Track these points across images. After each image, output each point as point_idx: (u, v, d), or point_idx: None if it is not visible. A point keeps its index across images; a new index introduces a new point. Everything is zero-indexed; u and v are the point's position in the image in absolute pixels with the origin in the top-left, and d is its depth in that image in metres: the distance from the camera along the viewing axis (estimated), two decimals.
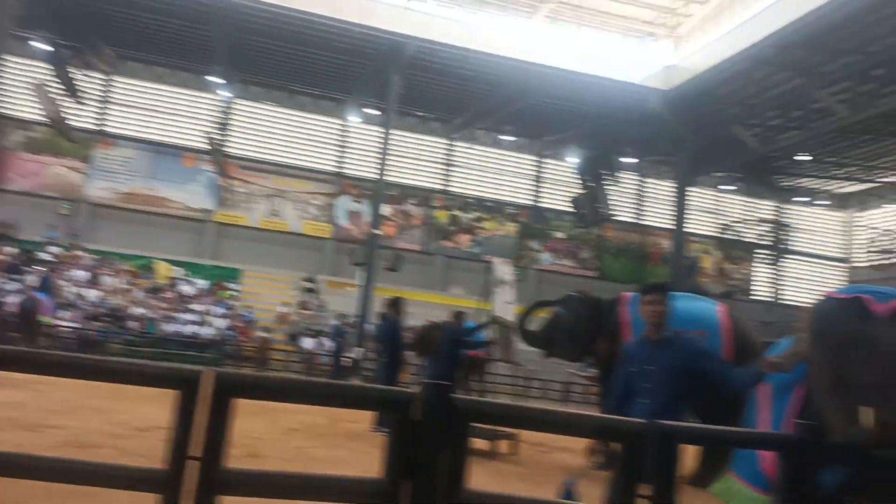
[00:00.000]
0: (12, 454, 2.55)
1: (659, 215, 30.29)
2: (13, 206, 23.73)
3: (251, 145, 27.62)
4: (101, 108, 26.49)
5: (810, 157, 25.88)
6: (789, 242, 30.58)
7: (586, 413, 3.54)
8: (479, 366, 12.50)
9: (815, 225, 32.11)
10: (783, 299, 30.27)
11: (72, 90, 22.09)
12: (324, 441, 8.01)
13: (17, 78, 24.01)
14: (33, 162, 25.69)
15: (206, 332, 21.32)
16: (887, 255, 26.22)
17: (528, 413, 3.06)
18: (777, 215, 31.23)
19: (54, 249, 23.08)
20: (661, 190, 30.36)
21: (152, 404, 6.37)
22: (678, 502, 2.51)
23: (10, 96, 23.83)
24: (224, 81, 26.16)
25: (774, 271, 31.03)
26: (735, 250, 29.98)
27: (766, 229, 30.01)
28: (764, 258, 30.28)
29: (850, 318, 2.64)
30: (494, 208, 29.39)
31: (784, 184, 30.06)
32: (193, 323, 21.50)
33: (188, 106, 27.28)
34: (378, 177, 21.69)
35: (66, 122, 22.76)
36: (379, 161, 21.94)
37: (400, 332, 10.04)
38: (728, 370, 3.78)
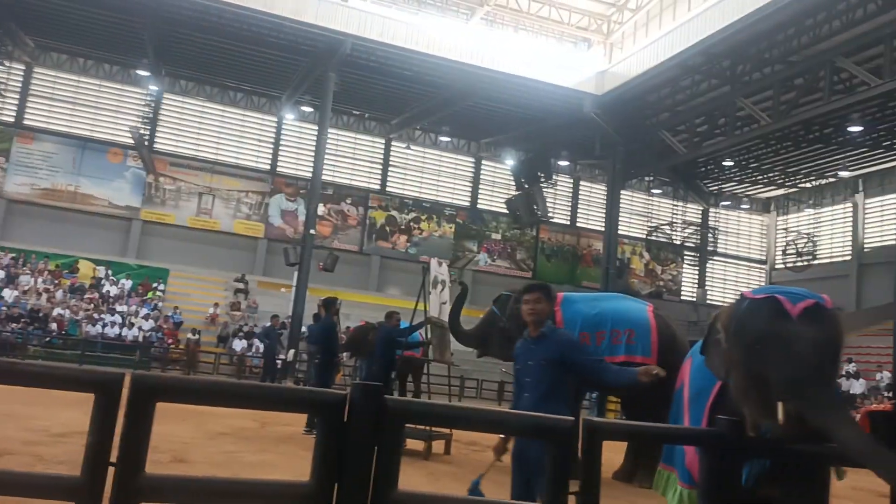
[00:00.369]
0: None
1: (592, 217, 30.94)
2: None
3: (181, 141, 26.90)
4: (20, 100, 25.35)
5: (734, 163, 26.87)
6: (715, 244, 31.67)
7: (517, 411, 3.57)
8: (414, 366, 12.48)
9: (738, 228, 33.37)
10: (709, 299, 31.33)
11: None
12: (253, 445, 7.86)
13: None
14: None
15: (131, 334, 20.65)
16: (804, 258, 27.41)
17: (460, 412, 3.05)
18: (703, 218, 32.30)
19: None
20: (594, 193, 31.01)
21: (72, 409, 6.12)
22: (605, 496, 2.55)
23: None
24: (152, 75, 25.38)
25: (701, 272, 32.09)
26: (664, 252, 30.86)
27: (693, 232, 31.00)
28: (691, 260, 31.26)
29: (764, 317, 2.72)
30: (432, 209, 29.44)
31: (710, 188, 31.12)
32: (118, 324, 20.79)
33: (114, 100, 26.37)
34: (313, 175, 21.41)
35: None
36: (314, 159, 21.67)
37: (334, 333, 9.93)
38: (598, 363, 4.06)
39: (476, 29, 23.87)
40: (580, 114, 22.97)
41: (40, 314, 20.12)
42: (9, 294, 20.58)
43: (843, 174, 27.64)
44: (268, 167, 27.73)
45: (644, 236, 30.25)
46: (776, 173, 28.11)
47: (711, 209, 32.36)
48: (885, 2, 15.34)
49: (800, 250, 27.27)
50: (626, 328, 7.55)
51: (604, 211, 25.93)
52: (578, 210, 31.24)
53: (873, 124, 21.38)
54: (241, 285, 24.96)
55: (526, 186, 25.56)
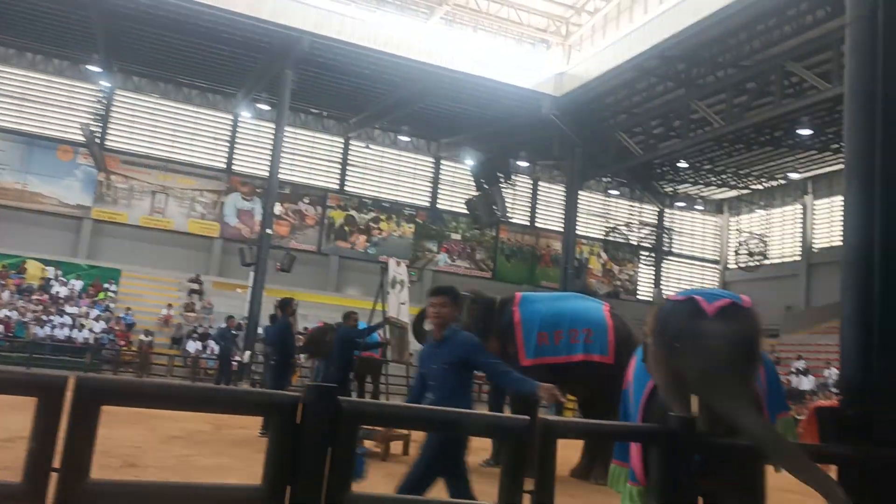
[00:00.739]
0: None
1: (550, 218, 31.20)
2: None
3: (133, 139, 26.30)
4: None
5: (688, 165, 27.39)
6: (670, 245, 32.22)
7: (475, 412, 3.57)
8: (373, 367, 12.41)
9: (692, 228, 34.02)
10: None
11: None
12: (208, 448, 7.71)
13: None
14: None
15: (81, 336, 20.13)
16: (756, 258, 28.03)
17: (417, 413, 3.04)
18: (659, 219, 32.84)
19: None
20: (553, 193, 31.27)
21: (16, 413, 5.92)
22: (561, 494, 2.56)
23: None
24: (104, 71, 24.76)
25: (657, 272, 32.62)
26: (621, 252, 31.28)
27: (649, 232, 31.49)
28: (647, 260, 31.75)
29: (682, 317, 2.90)
30: (391, 209, 29.33)
31: (665, 189, 31.67)
32: (68, 326, 20.25)
33: (64, 96, 25.66)
34: (270, 174, 21.14)
35: None
36: (271, 158, 21.39)
37: (291, 334, 9.81)
38: (500, 367, 4.09)
39: (435, 28, 23.86)
40: (539, 115, 23.15)
41: None
42: None
43: (794, 176, 28.40)
44: (223, 166, 27.30)
45: (602, 237, 30.63)
46: (729, 175, 28.74)
47: (667, 210, 32.93)
48: (834, 8, 15.78)
49: (751, 250, 27.89)
50: (584, 327, 7.61)
51: (562, 211, 26.17)
52: (537, 210, 31.47)
53: (822, 127, 22.00)
54: (195, 286, 24.53)
55: (485, 187, 25.68)
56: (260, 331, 17.89)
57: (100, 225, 25.47)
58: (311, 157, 28.48)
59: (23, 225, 24.20)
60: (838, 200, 28.75)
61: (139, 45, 23.16)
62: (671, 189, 31.70)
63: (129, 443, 7.17)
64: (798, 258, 29.85)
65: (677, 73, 20.74)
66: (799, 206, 30.24)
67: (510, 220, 29.40)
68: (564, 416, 13.96)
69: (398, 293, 10.87)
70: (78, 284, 22.77)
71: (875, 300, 3.69)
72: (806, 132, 22.16)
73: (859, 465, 3.49)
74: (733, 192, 31.85)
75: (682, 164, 27.35)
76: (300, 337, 13.72)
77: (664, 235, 31.73)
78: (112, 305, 22.38)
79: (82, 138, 24.11)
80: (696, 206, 33.69)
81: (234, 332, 18.15)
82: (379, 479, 6.56)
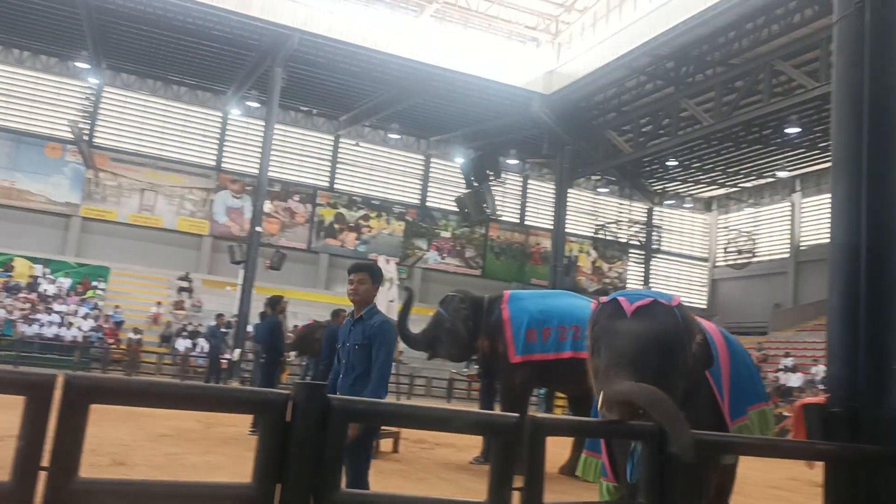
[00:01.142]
0: None
1: (540, 215, 31.24)
2: None
3: (122, 136, 26.14)
4: None
5: (678, 163, 27.49)
6: (659, 243, 32.35)
7: (463, 409, 3.58)
8: None
9: (681, 226, 34.16)
10: None
11: None
12: (197, 447, 7.69)
13: None
14: None
15: (70, 334, 20.01)
16: (744, 255, 28.20)
17: (406, 410, 3.04)
18: (648, 217, 32.95)
19: None
20: (543, 191, 31.33)
21: (4, 412, 5.88)
22: (550, 491, 2.57)
23: None
24: (92, 68, 24.60)
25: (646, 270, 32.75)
26: (610, 250, 31.38)
27: (639, 230, 31.60)
28: (636, 257, 31.88)
29: (604, 317, 3.07)
30: (381, 207, 29.30)
31: (654, 187, 31.77)
32: (56, 324, 20.12)
33: (52, 92, 25.47)
34: (260, 172, 21.06)
35: None
36: (261, 156, 21.31)
37: (280, 332, 9.79)
38: (378, 368, 3.87)
39: (425, 26, 23.83)
40: (529, 113, 23.18)
41: None
42: None
43: (782, 174, 28.55)
44: (213, 163, 27.18)
45: (591, 234, 30.70)
46: (718, 173, 28.86)
47: (656, 208, 33.04)
48: (822, 7, 15.88)
49: (740, 248, 28.08)
50: (573, 324, 7.63)
51: (552, 209, 26.22)
52: (527, 208, 31.51)
53: (810, 126, 22.13)
54: (185, 284, 24.43)
55: (475, 184, 25.68)
56: (249, 329, 17.84)
57: (88, 222, 25.31)
58: (300, 155, 28.40)
59: (10, 222, 24.02)
60: (826, 198, 28.85)
61: (128, 41, 23.02)
62: (660, 187, 31.81)
63: (118, 441, 7.14)
64: (786, 256, 30.03)
65: (666, 71, 20.80)
66: (787, 204, 30.42)
67: (500, 218, 29.43)
68: (554, 413, 14.00)
69: (387, 291, 10.87)
70: (66, 282, 22.62)
71: (861, 298, 3.73)
72: (794, 130, 22.28)
73: (846, 461, 3.52)
74: (722, 190, 32.00)
75: (672, 162, 27.44)
76: (290, 335, 13.70)
77: (653, 233, 31.86)
78: (101, 303, 22.25)
79: (71, 135, 23.95)
80: (685, 204, 33.83)
81: (223, 330, 18.11)
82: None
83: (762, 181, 29.81)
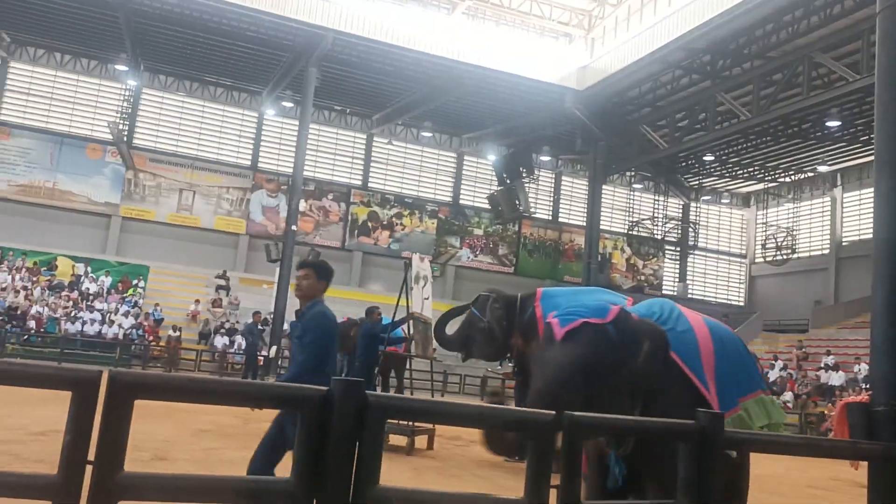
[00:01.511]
0: None
1: (574, 212, 31.03)
2: None
3: (160, 137, 26.63)
4: None
5: (714, 158, 27.06)
6: (696, 239, 31.87)
7: (499, 406, 3.57)
8: (397, 362, 12.45)
9: (718, 222, 33.63)
10: (691, 294, 31.55)
11: None
12: (235, 442, 7.81)
13: None
14: None
15: (111, 331, 20.44)
16: (784, 252, 27.65)
17: (442, 407, 3.05)
18: (684, 213, 32.48)
19: None
20: (576, 188, 31.10)
21: (50, 407, 6.04)
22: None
23: None
24: (131, 70, 25.07)
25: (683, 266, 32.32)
26: (645, 247, 31.00)
27: (674, 226, 31.16)
28: (672, 254, 31.45)
29: (545, 340, 3.46)
30: (414, 204, 29.38)
31: (690, 183, 31.32)
32: (98, 322, 20.57)
33: (92, 95, 26.04)
34: (294, 171, 21.29)
35: None
36: (295, 155, 21.53)
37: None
38: (298, 365, 3.81)
39: (458, 23, 23.82)
40: (562, 109, 23.02)
41: (18, 312, 19.85)
42: None
43: (822, 169, 27.94)
44: (249, 163, 27.53)
45: (625, 231, 30.38)
46: (756, 168, 28.34)
47: (692, 204, 32.53)
48: None
49: (779, 244, 27.52)
50: None
51: (585, 206, 26.02)
52: (560, 205, 31.31)
53: (851, 119, 21.62)
54: (222, 282, 24.78)
55: (508, 182, 25.57)
56: (286, 326, 18.03)
57: (128, 222, 25.83)
58: (334, 154, 28.62)
59: (53, 223, 24.64)
60: (868, 193, 28.24)
61: (165, 43, 23.44)
62: (696, 182, 31.36)
63: (159, 436, 7.28)
64: (827, 252, 29.39)
65: (702, 65, 20.49)
66: (828, 199, 29.77)
67: (533, 215, 29.25)
68: None
69: (422, 289, 10.88)
70: (107, 281, 23.10)
71: None
72: (835, 124, 21.80)
73: (891, 460, 3.45)
74: (760, 186, 31.39)
75: (708, 158, 27.01)
76: None
77: (689, 229, 31.40)
78: (141, 301, 22.68)
79: (110, 137, 24.45)
80: (723, 200, 33.31)
81: (260, 327, 18.34)
82: (405, 473, 6.61)
83: (802, 176, 29.18)
